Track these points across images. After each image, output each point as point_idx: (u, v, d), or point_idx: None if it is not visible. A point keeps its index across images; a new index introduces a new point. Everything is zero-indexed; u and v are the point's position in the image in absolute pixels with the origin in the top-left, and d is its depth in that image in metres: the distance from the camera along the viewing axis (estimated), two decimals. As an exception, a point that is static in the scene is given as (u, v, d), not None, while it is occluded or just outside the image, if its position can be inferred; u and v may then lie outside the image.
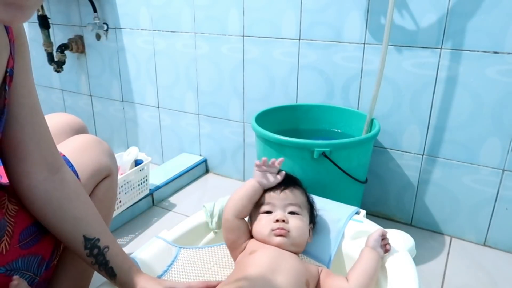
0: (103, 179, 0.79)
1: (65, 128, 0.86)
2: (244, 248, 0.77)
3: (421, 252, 1.16)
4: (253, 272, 0.68)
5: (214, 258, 0.83)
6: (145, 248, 0.78)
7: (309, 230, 0.79)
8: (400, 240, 0.78)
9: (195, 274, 0.79)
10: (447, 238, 1.25)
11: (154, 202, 1.44)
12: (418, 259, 1.11)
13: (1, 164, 0.67)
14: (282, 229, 0.73)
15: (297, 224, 0.75)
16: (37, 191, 0.62)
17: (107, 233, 0.67)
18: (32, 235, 0.63)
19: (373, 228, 0.82)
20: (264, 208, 0.78)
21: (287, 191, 0.78)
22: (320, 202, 0.88)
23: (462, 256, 1.17)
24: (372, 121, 1.17)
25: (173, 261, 0.78)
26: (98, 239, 0.65)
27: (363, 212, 0.89)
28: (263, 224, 0.76)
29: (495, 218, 1.17)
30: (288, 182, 0.81)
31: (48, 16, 1.76)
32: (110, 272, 0.66)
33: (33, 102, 0.62)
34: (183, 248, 0.81)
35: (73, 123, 0.89)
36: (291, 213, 0.76)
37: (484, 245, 1.21)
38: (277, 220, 0.74)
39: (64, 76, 1.94)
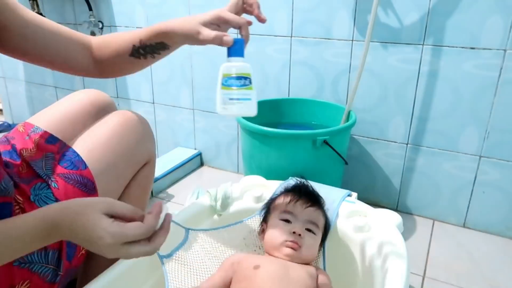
0: (144, 165, 0.81)
1: (89, 110, 0.82)
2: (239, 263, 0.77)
3: (407, 234, 1.25)
4: (263, 284, 0.70)
5: (220, 239, 0.89)
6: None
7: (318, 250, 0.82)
8: (389, 217, 0.86)
9: (204, 253, 0.85)
10: (430, 221, 1.34)
11: (152, 194, 1.50)
12: (404, 240, 1.20)
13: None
14: (296, 243, 0.76)
15: (310, 243, 0.77)
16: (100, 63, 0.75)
17: (135, 33, 0.74)
18: None
19: (364, 208, 0.91)
20: (284, 216, 0.80)
21: (311, 209, 0.81)
22: (316, 187, 0.96)
23: (444, 237, 1.26)
24: (349, 113, 1.24)
25: (184, 241, 0.84)
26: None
27: (354, 194, 0.97)
28: (279, 232, 0.77)
29: (473, 201, 1.27)
30: (315, 200, 0.84)
31: (43, 14, 1.79)
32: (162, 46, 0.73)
33: (28, 17, 0.67)
34: (192, 230, 0.88)
35: (96, 101, 0.84)
36: (308, 230, 0.79)
37: (464, 226, 1.31)
38: (293, 232, 0.76)
39: (58, 73, 1.96)
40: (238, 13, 0.73)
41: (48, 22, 0.70)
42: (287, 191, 0.87)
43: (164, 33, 0.70)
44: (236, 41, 0.69)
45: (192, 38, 0.67)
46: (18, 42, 0.66)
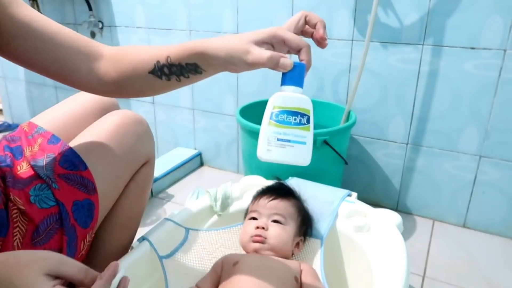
0: (143, 165, 0.80)
1: (93, 111, 0.81)
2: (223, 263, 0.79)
3: (407, 234, 1.25)
4: (239, 280, 0.71)
5: (220, 240, 0.89)
6: (156, 229, 0.84)
7: (299, 242, 0.83)
8: (389, 216, 0.86)
9: (204, 253, 0.86)
10: (430, 221, 1.34)
11: (152, 194, 1.50)
12: (404, 240, 1.20)
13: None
14: (260, 236, 0.77)
15: (277, 233, 0.78)
16: (102, 81, 0.63)
17: (162, 49, 0.62)
18: (45, 231, 0.63)
19: (364, 208, 0.91)
20: (251, 215, 0.83)
21: (274, 201, 0.82)
22: (316, 187, 0.96)
23: (444, 237, 1.26)
24: (349, 113, 1.24)
25: (184, 241, 0.84)
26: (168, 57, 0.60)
27: (354, 194, 0.97)
28: (246, 230, 0.81)
29: (473, 201, 1.27)
30: (279, 193, 0.85)
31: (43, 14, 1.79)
32: (193, 68, 0.59)
33: (28, 18, 0.60)
34: (192, 229, 0.88)
35: (101, 102, 0.83)
36: (275, 221, 0.80)
37: (464, 226, 1.31)
38: (257, 227, 0.79)
39: (58, 74, 1.96)
40: (297, 34, 0.62)
41: (47, 23, 0.62)
42: (255, 195, 0.89)
43: (200, 53, 0.56)
44: (296, 66, 0.54)
45: (238, 60, 0.54)
46: (8, 42, 0.60)
